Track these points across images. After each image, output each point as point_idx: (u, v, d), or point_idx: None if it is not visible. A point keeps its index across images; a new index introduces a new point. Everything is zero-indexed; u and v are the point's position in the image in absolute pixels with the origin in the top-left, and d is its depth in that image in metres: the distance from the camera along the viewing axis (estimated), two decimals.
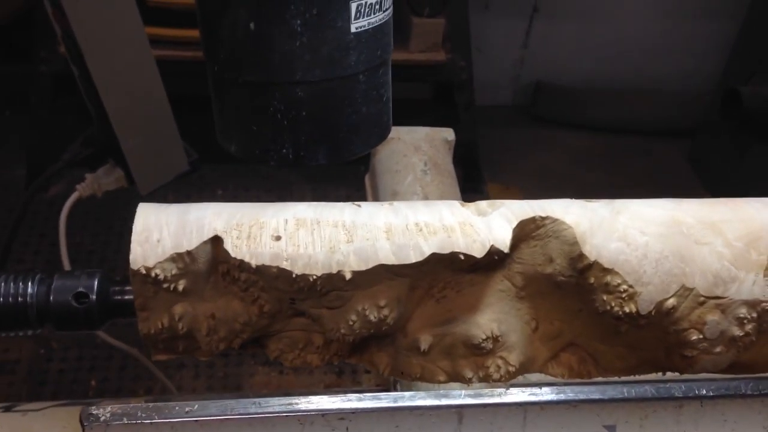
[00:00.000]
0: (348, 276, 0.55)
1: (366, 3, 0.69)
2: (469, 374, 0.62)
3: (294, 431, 0.54)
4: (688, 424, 0.59)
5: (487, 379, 0.62)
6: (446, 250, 0.57)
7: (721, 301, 0.59)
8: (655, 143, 3.12)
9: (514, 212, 0.60)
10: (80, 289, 0.54)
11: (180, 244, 0.54)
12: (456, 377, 0.62)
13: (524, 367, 0.63)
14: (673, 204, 0.63)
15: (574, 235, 0.59)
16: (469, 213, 0.60)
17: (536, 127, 3.17)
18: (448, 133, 1.14)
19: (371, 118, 0.76)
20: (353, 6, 0.68)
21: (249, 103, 0.72)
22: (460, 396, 0.56)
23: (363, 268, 0.55)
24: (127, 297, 0.56)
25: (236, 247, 0.54)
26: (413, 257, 0.56)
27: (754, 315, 0.60)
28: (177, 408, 0.51)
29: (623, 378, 0.63)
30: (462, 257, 0.57)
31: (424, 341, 0.60)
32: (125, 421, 0.50)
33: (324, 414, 0.54)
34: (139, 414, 0.51)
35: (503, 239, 0.58)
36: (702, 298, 0.59)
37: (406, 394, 0.55)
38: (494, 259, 0.59)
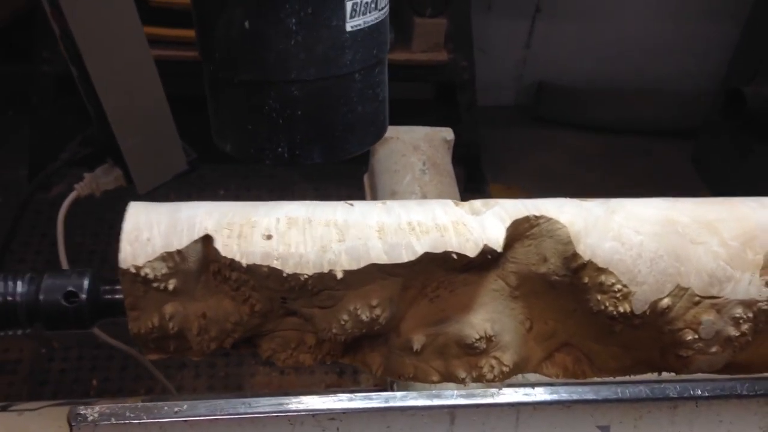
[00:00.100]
0: (339, 275, 0.54)
1: (361, 2, 0.69)
2: (462, 374, 0.61)
3: (284, 431, 0.54)
4: (683, 424, 0.58)
5: (480, 379, 0.62)
6: (439, 250, 0.56)
7: (717, 300, 0.59)
8: (657, 143, 3.11)
9: (508, 211, 0.60)
10: (70, 288, 0.54)
11: (170, 243, 0.53)
12: (449, 377, 0.61)
13: (518, 367, 0.63)
14: (669, 203, 0.63)
15: (568, 235, 0.59)
16: (462, 212, 0.59)
17: (538, 127, 3.17)
18: (447, 133, 1.13)
19: (367, 117, 0.76)
20: (348, 5, 0.68)
21: (244, 102, 0.72)
22: (452, 396, 0.56)
23: (355, 267, 0.55)
24: (117, 296, 0.55)
25: (227, 246, 0.54)
26: (405, 256, 0.56)
27: (750, 315, 0.59)
28: (166, 408, 0.51)
29: (617, 378, 0.63)
30: (455, 256, 0.57)
31: (417, 341, 0.60)
32: (113, 421, 0.50)
33: (315, 414, 0.54)
34: (128, 414, 0.51)
35: (496, 238, 0.58)
36: (697, 298, 0.58)
37: (398, 394, 0.55)
38: (488, 259, 0.59)
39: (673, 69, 3.13)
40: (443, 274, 0.59)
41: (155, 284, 0.54)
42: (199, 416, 0.52)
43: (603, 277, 0.58)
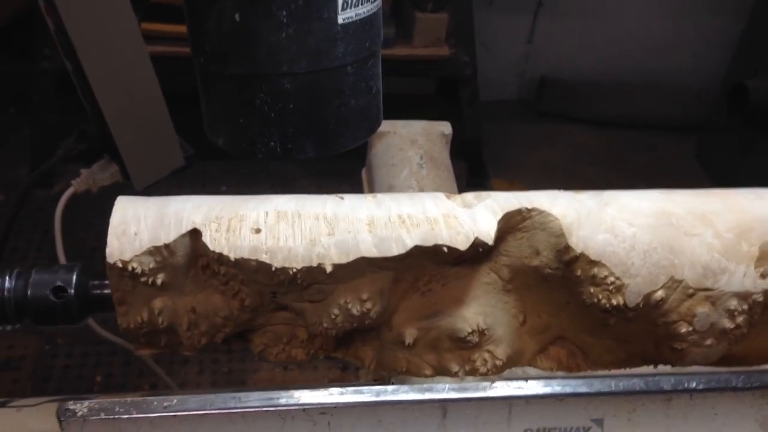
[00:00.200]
0: (329, 269, 0.54)
1: None
2: (455, 368, 0.61)
3: (275, 426, 0.53)
4: (678, 417, 0.58)
5: (474, 373, 0.61)
6: (429, 243, 0.56)
7: (711, 293, 0.58)
8: (661, 138, 3.10)
9: (499, 204, 0.59)
10: (58, 284, 0.54)
11: (157, 237, 0.53)
12: (442, 371, 0.61)
13: (512, 361, 0.63)
14: (664, 195, 0.62)
15: (561, 227, 0.58)
16: (453, 205, 0.59)
17: (541, 122, 3.16)
18: (445, 127, 1.13)
19: (360, 111, 0.76)
20: None
21: (236, 96, 0.71)
22: (444, 390, 0.55)
23: (344, 261, 0.54)
24: (106, 291, 0.55)
25: (215, 240, 0.53)
26: (395, 250, 0.55)
27: (745, 307, 0.59)
28: (155, 403, 0.51)
29: (611, 371, 0.62)
30: (446, 249, 0.56)
31: (409, 335, 0.60)
32: (102, 416, 0.50)
33: (305, 408, 0.53)
34: (117, 409, 0.50)
35: (488, 231, 0.57)
36: (691, 290, 0.58)
37: (389, 387, 0.54)
38: (479, 252, 0.58)
39: (676, 64, 3.12)
40: (435, 267, 0.59)
41: (143, 279, 0.53)
42: (189, 411, 0.52)
43: (595, 270, 0.57)
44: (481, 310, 0.60)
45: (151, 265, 0.53)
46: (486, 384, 0.56)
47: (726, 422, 0.59)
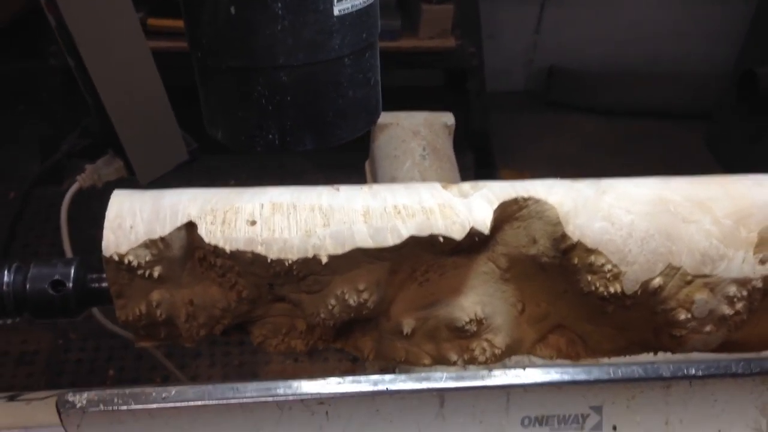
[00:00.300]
0: (324, 260, 0.54)
1: None
2: (453, 357, 0.61)
3: (273, 416, 0.54)
4: (677, 404, 0.58)
5: (473, 362, 0.61)
6: (425, 233, 0.56)
7: (710, 279, 0.58)
8: (671, 127, 3.07)
9: (495, 193, 0.59)
10: (56, 277, 0.54)
11: (153, 230, 0.53)
12: (441, 360, 0.61)
13: (511, 350, 0.63)
14: (662, 182, 0.62)
15: (557, 216, 0.58)
16: (449, 195, 0.59)
17: (550, 112, 3.15)
18: (448, 118, 1.13)
19: (358, 103, 0.76)
20: None
21: (233, 89, 0.71)
22: (441, 379, 0.55)
23: (339, 252, 0.54)
24: (104, 284, 0.55)
25: (210, 233, 0.54)
26: (391, 240, 0.55)
27: (744, 293, 0.59)
28: (154, 394, 0.51)
29: (610, 359, 0.62)
30: (441, 239, 0.56)
31: (407, 325, 0.60)
32: (101, 407, 0.50)
33: (303, 399, 0.53)
34: (116, 400, 0.51)
35: (483, 220, 0.57)
36: (689, 277, 0.58)
37: (387, 377, 0.55)
38: (476, 241, 0.58)
39: (686, 51, 3.10)
40: (432, 257, 0.59)
41: (140, 271, 0.54)
42: (187, 402, 0.52)
43: (592, 258, 0.57)
44: (479, 299, 0.60)
45: (148, 258, 0.54)
46: (484, 372, 0.56)
47: (726, 408, 0.59)
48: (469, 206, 0.58)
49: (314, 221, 0.55)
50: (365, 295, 0.57)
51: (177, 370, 1.64)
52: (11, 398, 0.89)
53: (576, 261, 0.58)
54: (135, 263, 0.53)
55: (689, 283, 0.58)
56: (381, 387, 0.55)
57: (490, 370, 0.56)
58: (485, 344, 0.61)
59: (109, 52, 0.97)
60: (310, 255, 0.54)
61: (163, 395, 0.52)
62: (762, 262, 0.58)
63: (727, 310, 0.59)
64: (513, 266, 0.61)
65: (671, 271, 0.57)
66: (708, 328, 0.59)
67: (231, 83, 0.71)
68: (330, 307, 0.57)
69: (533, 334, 0.64)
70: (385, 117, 1.08)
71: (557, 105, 3.15)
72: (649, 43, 3.10)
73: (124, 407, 0.51)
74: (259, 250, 0.53)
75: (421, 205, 0.57)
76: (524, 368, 0.56)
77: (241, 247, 0.53)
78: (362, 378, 0.55)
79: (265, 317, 0.60)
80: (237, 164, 2.60)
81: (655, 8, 3.02)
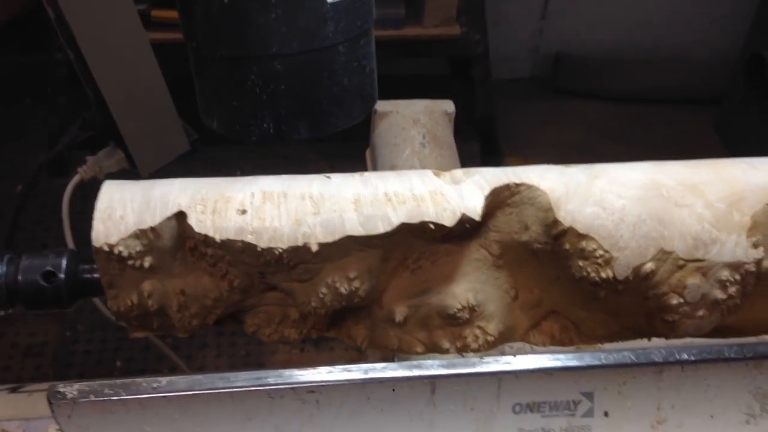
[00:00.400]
0: (314, 248, 0.54)
1: None
2: (446, 345, 0.61)
3: (264, 405, 0.54)
4: (669, 390, 0.58)
5: (465, 350, 0.61)
6: (416, 220, 0.56)
7: (702, 263, 0.58)
8: (679, 113, 3.05)
9: (487, 180, 0.59)
10: (48, 268, 0.54)
11: (143, 220, 0.53)
12: (434, 348, 0.61)
13: (504, 337, 0.63)
14: (655, 167, 0.62)
15: (549, 201, 0.58)
16: (441, 182, 0.59)
17: (556, 98, 3.13)
18: (448, 105, 1.12)
19: (353, 90, 0.76)
20: None
21: (227, 78, 0.72)
22: (432, 366, 0.55)
23: (330, 240, 0.55)
24: (96, 275, 0.56)
25: (200, 222, 0.54)
26: (381, 228, 0.55)
27: (738, 277, 0.58)
28: (144, 384, 0.52)
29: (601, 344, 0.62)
30: (432, 226, 0.56)
31: (399, 313, 0.60)
32: (92, 398, 0.51)
33: (294, 387, 0.54)
34: (107, 391, 0.51)
35: (474, 207, 0.57)
36: (681, 262, 0.57)
37: (378, 365, 0.55)
38: (467, 228, 0.58)
39: (693, 36, 3.07)
40: (423, 244, 0.59)
41: (130, 262, 0.54)
42: (178, 392, 0.52)
43: (584, 243, 0.57)
44: (471, 286, 0.60)
45: (138, 248, 0.54)
46: (475, 360, 0.56)
47: (719, 393, 0.58)
48: (461, 193, 0.58)
49: (304, 210, 0.55)
50: (356, 284, 0.57)
51: (183, 361, 1.65)
52: (13, 390, 0.90)
53: (567, 246, 0.58)
54: (125, 253, 0.53)
55: (681, 267, 0.58)
56: (372, 375, 0.55)
57: (481, 357, 0.56)
58: (478, 331, 0.61)
59: (108, 44, 0.97)
60: (300, 243, 0.54)
61: (154, 385, 0.52)
62: (755, 245, 0.58)
63: (719, 295, 0.58)
64: (505, 253, 0.61)
65: (663, 255, 0.57)
66: (700, 313, 0.59)
67: (225, 72, 0.71)
68: (321, 296, 0.57)
69: (526, 321, 0.64)
70: (385, 105, 1.08)
71: (564, 92, 3.13)
72: (656, 28, 3.07)
73: (115, 398, 0.51)
74: (250, 239, 0.54)
75: (412, 192, 0.57)
76: (515, 355, 0.56)
77: (232, 236, 0.54)
78: (353, 366, 0.55)
79: (258, 306, 0.61)
80: (240, 155, 2.60)
81: None
